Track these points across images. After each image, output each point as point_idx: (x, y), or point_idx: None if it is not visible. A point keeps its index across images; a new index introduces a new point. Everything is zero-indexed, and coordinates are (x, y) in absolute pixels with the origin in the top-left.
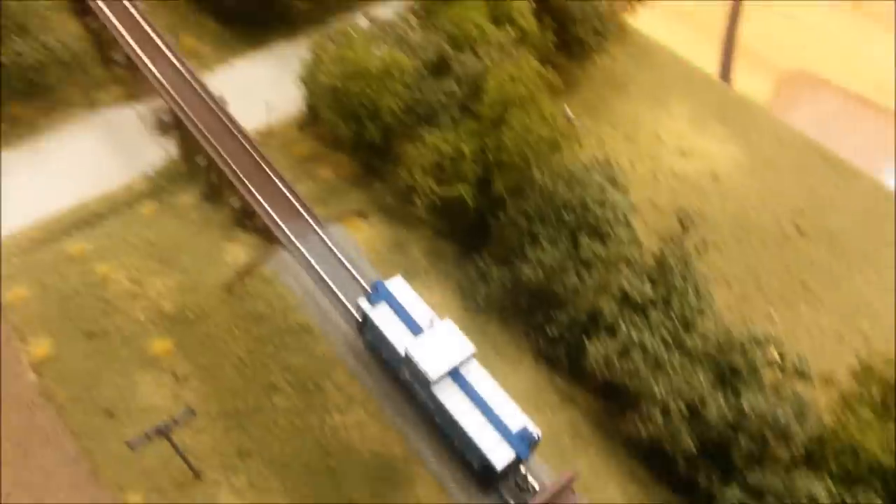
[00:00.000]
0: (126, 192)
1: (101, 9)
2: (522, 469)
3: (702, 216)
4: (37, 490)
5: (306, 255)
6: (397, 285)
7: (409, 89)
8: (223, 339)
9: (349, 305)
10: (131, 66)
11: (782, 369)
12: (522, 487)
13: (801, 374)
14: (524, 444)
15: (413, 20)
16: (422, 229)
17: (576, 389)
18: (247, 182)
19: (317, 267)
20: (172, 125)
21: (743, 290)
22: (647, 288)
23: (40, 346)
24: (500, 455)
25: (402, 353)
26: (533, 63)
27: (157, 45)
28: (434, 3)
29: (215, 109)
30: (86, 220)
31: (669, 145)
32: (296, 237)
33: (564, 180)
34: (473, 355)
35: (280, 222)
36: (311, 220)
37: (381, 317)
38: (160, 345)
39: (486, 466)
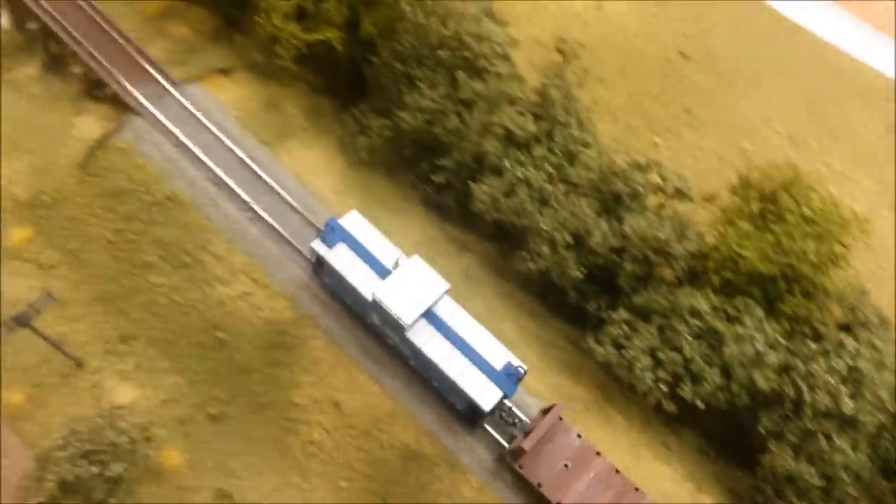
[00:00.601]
0: None
1: None
2: (507, 402)
3: (585, 47)
4: None
5: (163, 120)
6: (354, 221)
7: None
8: (86, 220)
9: (217, 169)
10: None
11: (664, 191)
12: (508, 421)
13: (682, 195)
14: (511, 380)
15: None
16: (297, 86)
17: (468, 236)
18: (88, 47)
19: (176, 132)
20: None
21: (628, 120)
22: (530, 124)
23: None
24: (487, 397)
25: (370, 299)
26: None
27: None
28: None
29: None
30: None
31: None
32: (150, 102)
33: (438, 16)
34: (447, 292)
35: (130, 88)
36: (165, 83)
37: (340, 259)
38: (19, 234)
39: (473, 408)
